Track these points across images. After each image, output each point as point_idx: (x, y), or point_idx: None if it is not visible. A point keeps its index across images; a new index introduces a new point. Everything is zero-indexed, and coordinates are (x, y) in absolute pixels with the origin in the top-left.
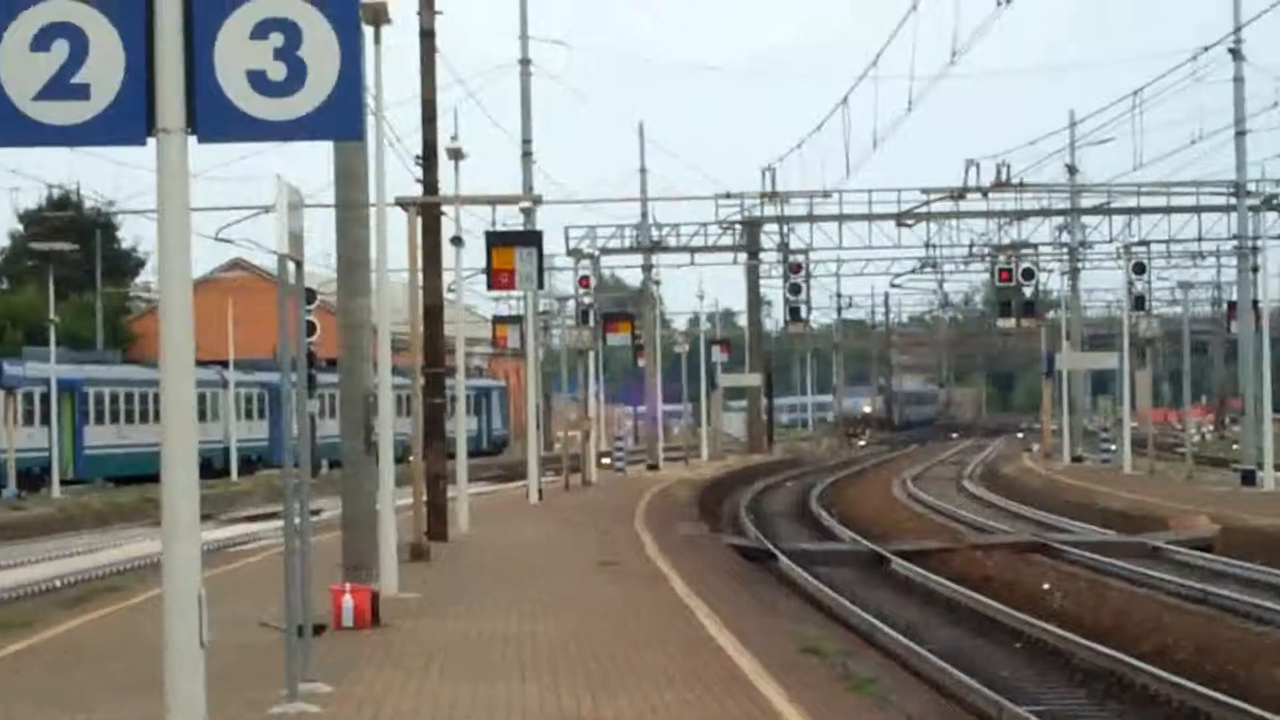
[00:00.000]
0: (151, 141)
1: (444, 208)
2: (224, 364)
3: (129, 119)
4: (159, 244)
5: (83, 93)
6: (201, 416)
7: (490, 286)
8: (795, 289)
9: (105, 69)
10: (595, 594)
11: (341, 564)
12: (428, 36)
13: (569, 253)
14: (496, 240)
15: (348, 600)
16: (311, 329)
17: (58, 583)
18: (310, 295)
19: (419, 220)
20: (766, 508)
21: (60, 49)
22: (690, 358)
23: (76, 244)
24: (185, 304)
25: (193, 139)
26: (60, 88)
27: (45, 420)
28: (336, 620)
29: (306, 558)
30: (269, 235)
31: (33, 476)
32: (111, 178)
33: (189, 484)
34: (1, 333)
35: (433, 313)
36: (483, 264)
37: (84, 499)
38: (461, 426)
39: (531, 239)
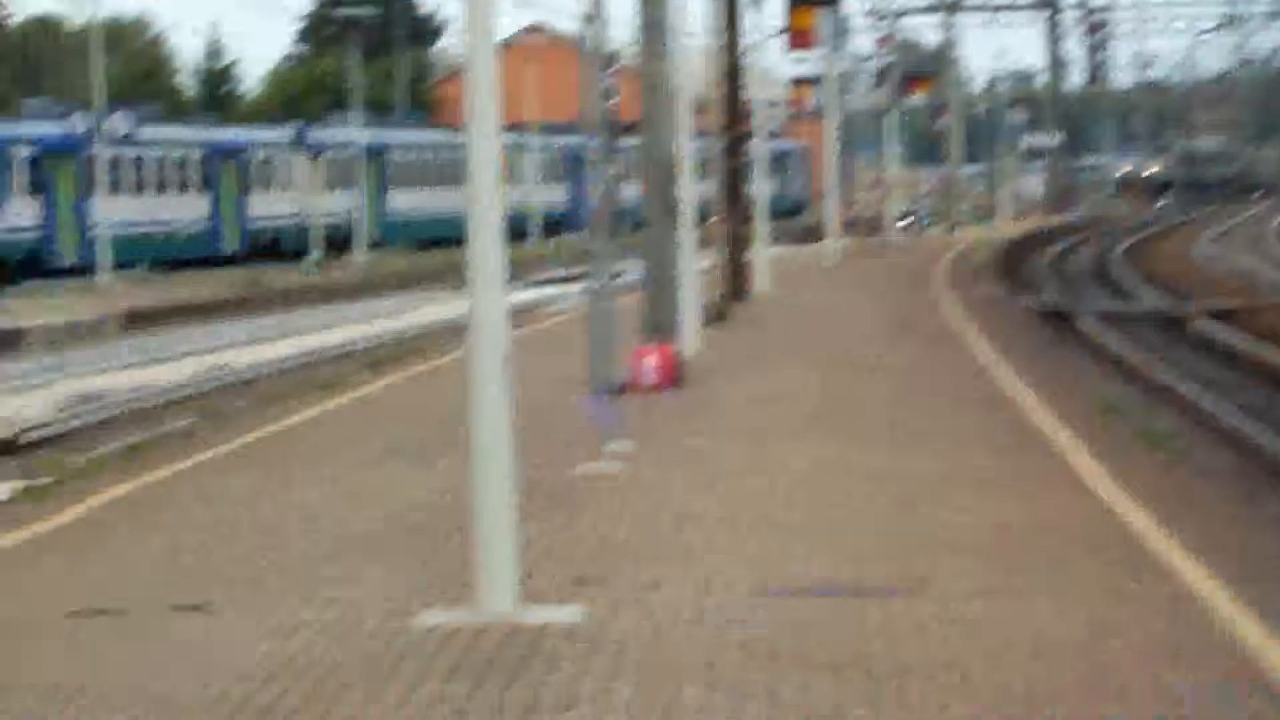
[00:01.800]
0: None
1: None
2: (523, 127)
3: None
4: (465, 6)
5: None
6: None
7: (791, 47)
8: (1096, 48)
9: None
10: (894, 354)
11: (641, 326)
12: None
13: (868, 13)
14: (797, 0)
15: (649, 361)
16: (612, 92)
17: (361, 345)
18: (611, 59)
19: None
20: (1066, 269)
21: None
22: (988, 119)
23: (378, 9)
24: (489, 67)
25: None
26: None
27: (348, 185)
28: (637, 380)
29: (610, 320)
30: None
31: (336, 242)
32: None
33: (495, 244)
34: (304, 99)
35: (732, 74)
36: (781, 26)
37: (386, 263)
38: (761, 189)
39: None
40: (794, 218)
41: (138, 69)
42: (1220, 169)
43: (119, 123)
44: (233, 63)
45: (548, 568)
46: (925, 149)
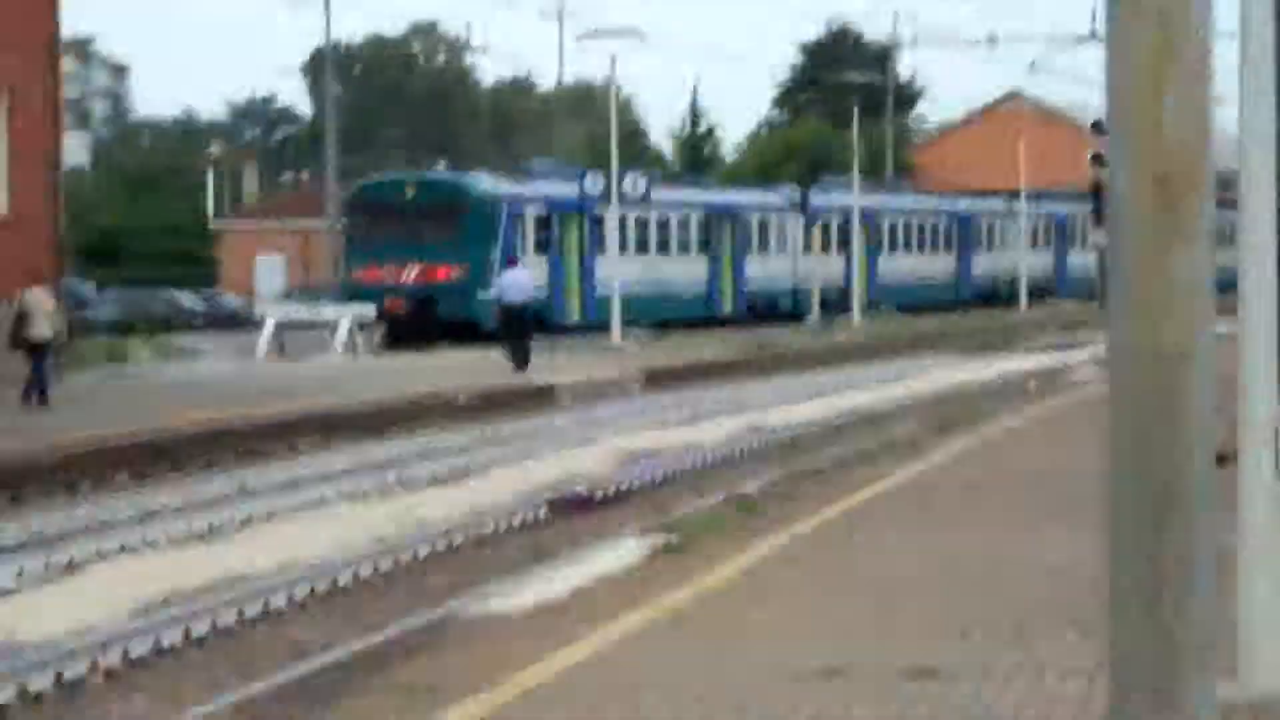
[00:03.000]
0: None
1: None
2: (1014, 194)
3: None
4: (1243, 76)
5: None
6: (989, 246)
7: None
8: None
9: None
10: None
11: None
12: None
13: None
14: None
15: None
16: (1100, 160)
17: (888, 407)
18: (1101, 126)
19: None
20: None
21: None
22: None
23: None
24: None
25: None
26: None
27: (841, 249)
28: None
29: None
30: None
31: (828, 305)
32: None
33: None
34: (781, 164)
35: None
36: None
37: (880, 326)
38: None
39: None
40: None
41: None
42: None
43: (636, 184)
44: (713, 128)
45: None
46: None
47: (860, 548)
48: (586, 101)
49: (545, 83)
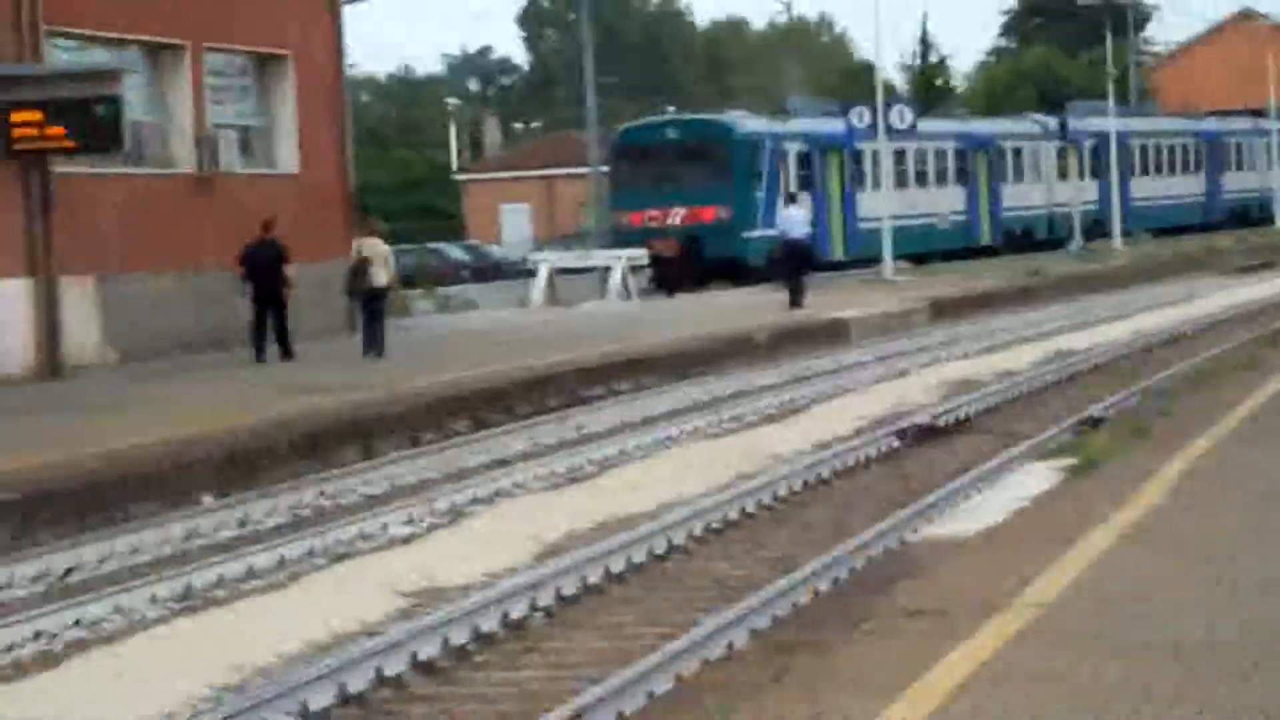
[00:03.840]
0: None
1: None
2: (1260, 113)
3: None
4: None
5: None
6: (1234, 166)
7: None
8: None
9: None
10: None
11: None
12: None
13: None
14: None
15: None
16: None
17: (1188, 328)
18: None
19: None
20: None
21: None
22: None
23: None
24: None
25: None
26: None
27: (1095, 174)
28: None
29: None
30: None
31: (1087, 230)
32: None
33: None
34: (1011, 93)
35: None
36: None
37: (1141, 250)
38: None
39: None
40: None
41: (827, 67)
42: None
43: (904, 115)
44: (944, 58)
45: None
46: None
47: (1263, 463)
48: (800, 38)
49: (757, 22)
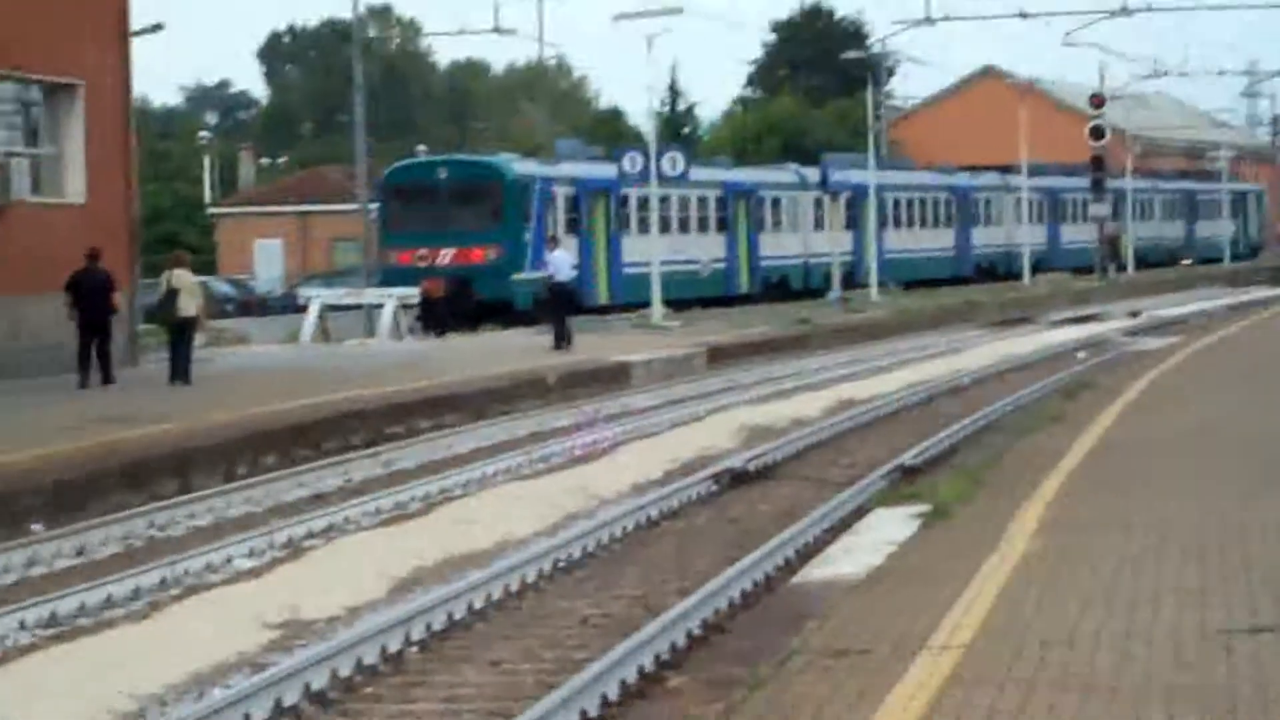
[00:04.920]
0: None
1: None
2: (1008, 170)
3: None
4: None
5: None
6: (983, 221)
7: None
8: None
9: None
10: None
11: None
12: None
13: None
14: None
15: None
16: (1099, 133)
17: (970, 379)
18: (1100, 99)
19: None
20: None
21: None
22: None
23: (826, 52)
24: None
25: None
26: None
27: (851, 225)
28: None
29: None
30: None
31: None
32: None
33: None
34: (759, 141)
35: None
36: None
37: (898, 302)
38: None
39: None
40: (1252, 260)
41: (569, 111)
42: None
43: (676, 162)
44: (692, 106)
45: None
46: None
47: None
48: (541, 82)
49: (498, 64)
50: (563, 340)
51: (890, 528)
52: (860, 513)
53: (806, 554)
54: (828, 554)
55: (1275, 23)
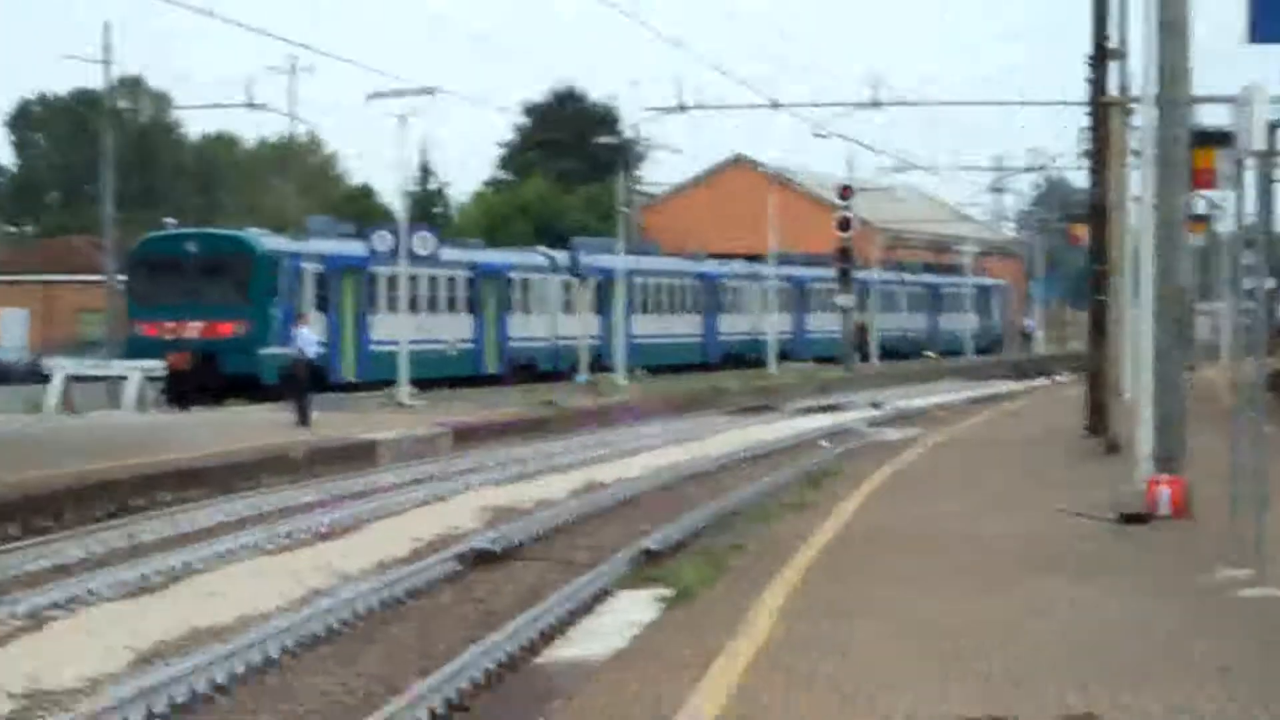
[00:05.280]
0: None
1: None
2: (756, 258)
3: None
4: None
5: None
6: (730, 309)
7: (1194, 186)
8: None
9: None
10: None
11: (1153, 455)
12: None
13: None
14: (1201, 140)
15: (1163, 491)
16: (847, 224)
17: (703, 467)
18: (846, 190)
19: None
20: None
21: None
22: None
23: (578, 136)
24: None
25: None
26: None
27: (599, 309)
28: (1153, 509)
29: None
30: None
31: (589, 365)
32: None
33: None
34: (509, 223)
35: (1099, 211)
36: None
37: (645, 386)
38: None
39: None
40: (994, 353)
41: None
42: None
43: (426, 242)
44: (443, 186)
45: None
46: None
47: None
48: (291, 157)
49: (249, 139)
50: (305, 416)
51: (634, 610)
52: (604, 595)
53: (551, 635)
54: (572, 635)
55: (1020, 119)
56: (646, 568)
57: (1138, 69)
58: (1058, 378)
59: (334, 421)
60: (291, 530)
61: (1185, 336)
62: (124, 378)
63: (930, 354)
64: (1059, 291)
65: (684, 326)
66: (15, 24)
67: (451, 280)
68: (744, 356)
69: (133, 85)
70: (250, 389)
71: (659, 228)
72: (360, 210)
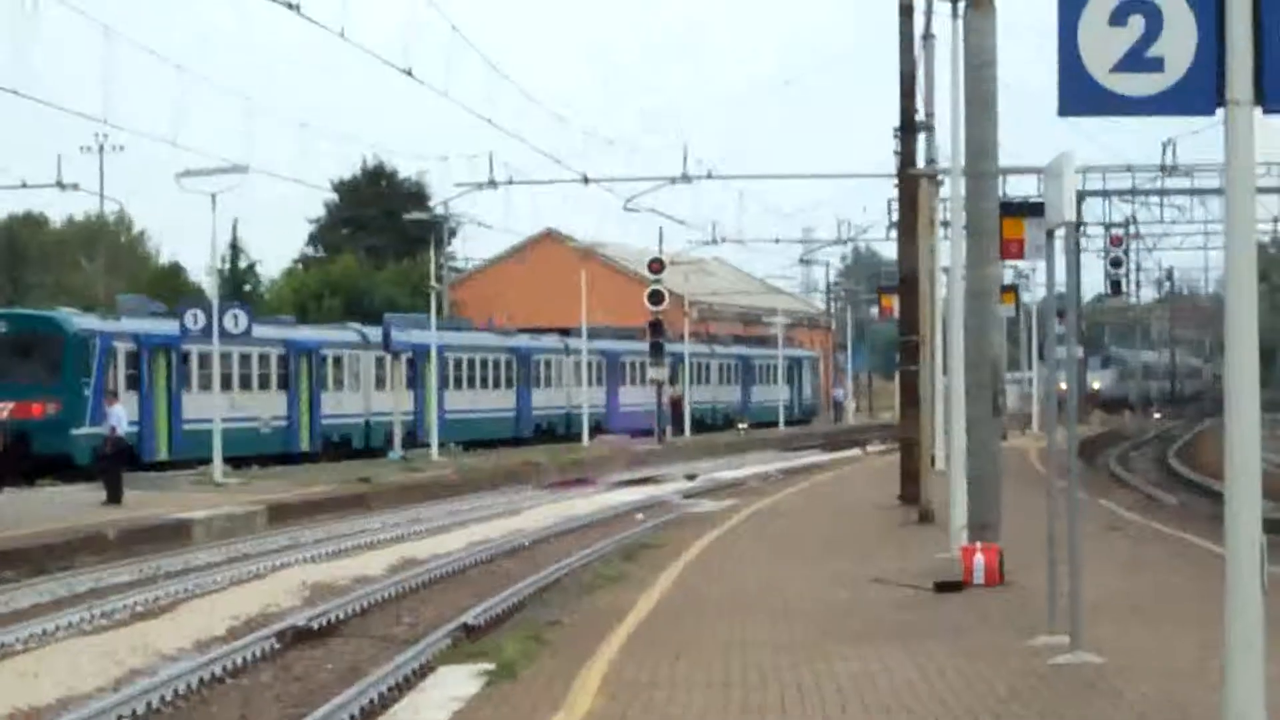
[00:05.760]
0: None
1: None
2: (567, 331)
3: (1198, 91)
4: (1227, 214)
5: (1156, 66)
6: (543, 383)
7: (1003, 257)
8: (1116, 262)
9: (1178, 43)
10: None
11: (968, 523)
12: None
13: None
14: (1009, 210)
15: (979, 558)
16: (659, 298)
17: (529, 540)
18: (660, 264)
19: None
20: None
21: (1136, 24)
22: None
23: (389, 212)
24: (1250, 280)
25: (1258, 111)
26: (1135, 61)
27: (413, 385)
28: (968, 578)
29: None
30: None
31: (403, 440)
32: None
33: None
34: (320, 300)
35: (909, 282)
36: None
37: (463, 461)
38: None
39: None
40: (807, 424)
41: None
42: (1150, 382)
43: (238, 320)
44: (253, 263)
45: None
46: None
47: (677, 670)
48: (100, 235)
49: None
50: (116, 494)
51: (455, 686)
52: (425, 671)
53: (371, 712)
54: (393, 712)
55: (829, 193)
56: (467, 643)
57: (945, 141)
58: (870, 448)
59: (148, 500)
60: (108, 610)
61: (998, 405)
62: None
63: (742, 425)
64: (869, 362)
65: (497, 401)
66: None
67: (264, 357)
68: (556, 430)
69: None
70: (63, 469)
71: (470, 302)
72: (171, 288)
